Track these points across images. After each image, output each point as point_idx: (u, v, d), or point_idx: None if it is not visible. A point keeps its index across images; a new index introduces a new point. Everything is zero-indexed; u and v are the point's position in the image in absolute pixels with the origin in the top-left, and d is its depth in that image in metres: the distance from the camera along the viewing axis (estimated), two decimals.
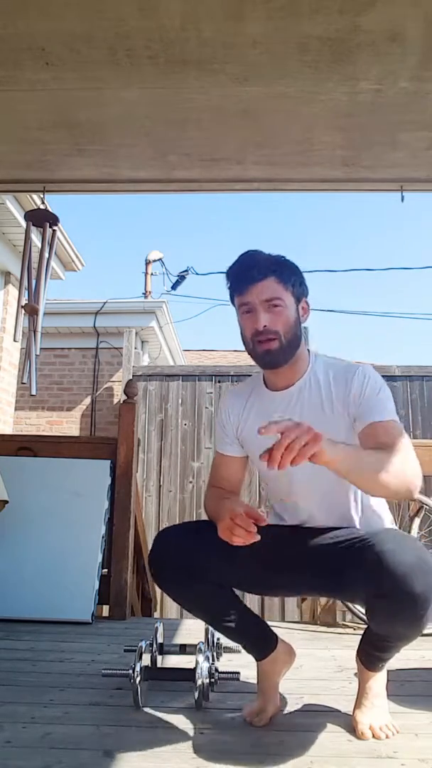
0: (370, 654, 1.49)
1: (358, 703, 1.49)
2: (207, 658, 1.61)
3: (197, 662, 1.56)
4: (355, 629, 2.76)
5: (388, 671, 1.53)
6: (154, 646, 1.78)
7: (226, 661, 2.06)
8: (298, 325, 1.52)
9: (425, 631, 2.63)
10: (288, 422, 1.20)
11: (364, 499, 1.56)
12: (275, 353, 1.48)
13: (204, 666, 1.57)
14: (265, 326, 1.47)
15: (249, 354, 1.54)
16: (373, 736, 1.40)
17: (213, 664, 1.69)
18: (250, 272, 1.50)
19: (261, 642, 1.58)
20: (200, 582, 1.47)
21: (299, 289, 1.54)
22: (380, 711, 1.47)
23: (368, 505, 1.57)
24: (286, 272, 1.52)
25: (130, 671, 1.56)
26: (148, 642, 1.71)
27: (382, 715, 1.46)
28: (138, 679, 1.54)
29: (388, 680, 1.53)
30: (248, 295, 1.49)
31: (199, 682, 1.54)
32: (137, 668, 1.55)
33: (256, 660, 1.59)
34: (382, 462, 1.32)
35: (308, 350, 1.59)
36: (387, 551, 1.29)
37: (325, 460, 1.23)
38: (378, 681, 1.51)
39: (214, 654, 1.87)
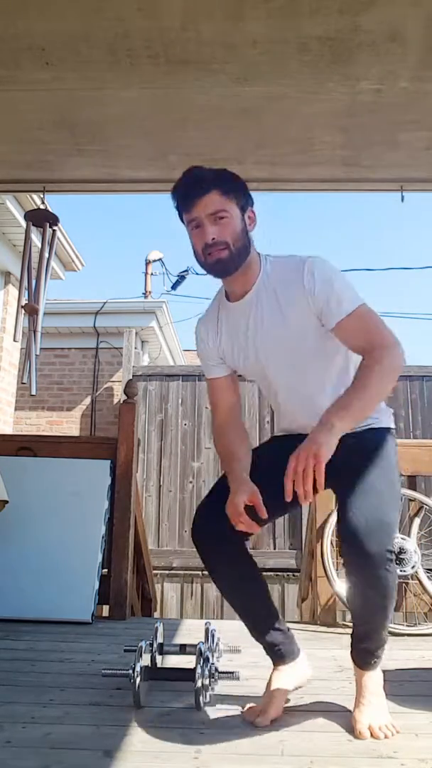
0: (359, 649, 1.51)
1: (356, 703, 1.50)
2: (207, 659, 1.61)
3: (197, 662, 1.56)
4: None
5: (388, 671, 1.53)
6: (154, 646, 1.78)
7: (226, 661, 2.06)
8: (245, 234, 1.56)
9: (425, 631, 2.64)
10: (291, 462, 1.32)
11: None
12: (225, 261, 1.53)
13: (204, 666, 1.57)
14: (213, 238, 1.51)
15: (202, 267, 1.58)
16: (372, 736, 1.40)
17: (213, 664, 1.69)
18: (194, 189, 1.54)
19: (286, 646, 1.63)
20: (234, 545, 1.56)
21: (243, 200, 1.57)
22: (379, 710, 1.47)
23: None
24: (228, 184, 1.56)
25: (130, 671, 1.56)
26: (148, 642, 1.71)
27: (381, 714, 1.46)
28: (138, 679, 1.54)
29: (387, 680, 1.53)
30: (194, 211, 1.53)
31: (199, 682, 1.54)
32: (137, 668, 1.55)
33: (276, 664, 1.62)
34: (370, 389, 1.41)
35: (259, 254, 1.63)
36: (347, 511, 1.38)
37: (334, 447, 1.32)
38: (373, 680, 1.51)
39: (214, 654, 1.87)
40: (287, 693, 1.60)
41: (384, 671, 1.52)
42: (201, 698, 1.55)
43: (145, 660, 1.62)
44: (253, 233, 1.60)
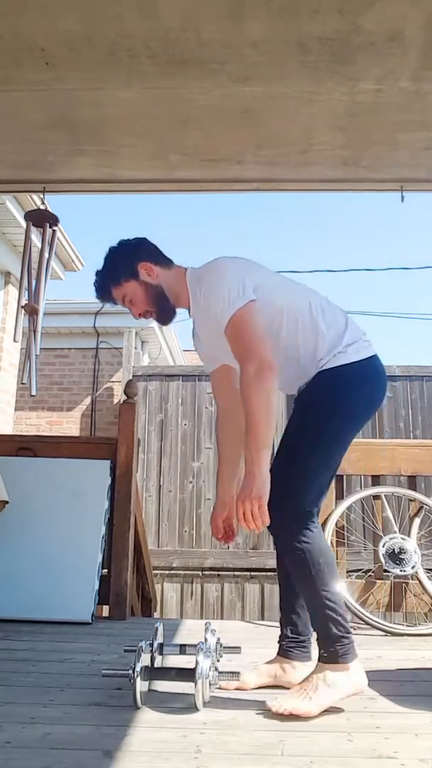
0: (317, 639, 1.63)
1: (296, 686, 1.60)
2: (207, 658, 1.61)
3: (197, 662, 1.56)
4: (355, 629, 2.75)
5: (388, 671, 1.53)
6: (154, 646, 1.78)
7: (226, 662, 2.06)
8: (152, 288, 1.77)
9: (425, 631, 2.64)
10: (238, 510, 1.51)
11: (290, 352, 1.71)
12: (162, 317, 1.81)
13: (204, 666, 1.57)
14: (138, 314, 1.80)
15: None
16: (273, 711, 1.50)
17: (213, 664, 1.69)
18: (105, 299, 1.84)
19: (291, 647, 1.75)
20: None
21: (130, 270, 1.77)
22: (305, 696, 1.53)
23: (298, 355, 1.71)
24: (113, 274, 1.79)
25: (130, 671, 1.56)
26: (148, 642, 1.71)
27: (304, 701, 1.52)
28: (138, 679, 1.54)
29: (387, 680, 1.53)
30: (117, 304, 1.84)
31: (200, 682, 1.54)
32: (137, 668, 1.55)
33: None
34: (255, 417, 1.54)
35: (185, 271, 1.80)
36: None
37: (266, 480, 1.51)
38: (321, 675, 1.56)
39: (215, 654, 1.87)
40: (267, 678, 1.73)
41: (384, 671, 1.53)
42: (201, 698, 1.56)
43: (145, 660, 1.62)
44: (160, 276, 1.78)
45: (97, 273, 1.82)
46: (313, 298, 1.74)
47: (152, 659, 1.73)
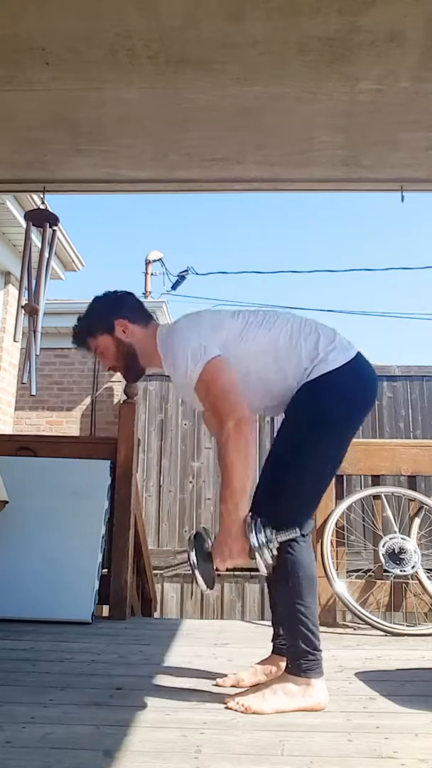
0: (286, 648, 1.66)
1: (259, 686, 1.63)
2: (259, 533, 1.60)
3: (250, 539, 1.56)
4: (355, 629, 2.76)
5: (388, 671, 1.53)
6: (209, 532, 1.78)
7: (225, 661, 2.07)
8: (123, 346, 1.82)
9: (425, 631, 2.64)
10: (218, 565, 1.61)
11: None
12: (129, 375, 1.91)
13: (256, 540, 1.56)
14: (109, 368, 1.87)
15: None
16: (228, 706, 1.56)
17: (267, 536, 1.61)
18: (81, 347, 1.89)
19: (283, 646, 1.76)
20: None
21: (106, 324, 1.82)
22: (261, 696, 1.57)
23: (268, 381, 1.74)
24: (90, 325, 1.85)
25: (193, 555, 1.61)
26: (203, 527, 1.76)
27: (258, 699, 1.57)
28: (198, 561, 1.59)
29: (387, 680, 1.53)
30: (89, 355, 1.86)
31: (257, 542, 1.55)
32: (192, 556, 1.60)
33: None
34: (232, 481, 1.58)
35: (158, 328, 1.85)
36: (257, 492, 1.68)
37: (239, 534, 1.57)
38: (282, 683, 1.59)
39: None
40: (261, 676, 1.78)
41: (384, 671, 1.53)
42: (264, 567, 1.57)
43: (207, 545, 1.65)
44: (131, 336, 1.82)
45: (78, 320, 1.88)
46: (284, 328, 1.73)
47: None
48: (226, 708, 1.57)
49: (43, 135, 2.60)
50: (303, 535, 1.64)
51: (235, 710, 1.55)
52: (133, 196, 4.43)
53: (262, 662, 1.81)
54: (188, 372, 1.65)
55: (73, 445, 3.28)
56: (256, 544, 1.55)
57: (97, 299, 1.89)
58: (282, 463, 1.67)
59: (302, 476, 1.65)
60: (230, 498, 1.58)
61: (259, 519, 1.58)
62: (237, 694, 1.63)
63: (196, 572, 1.59)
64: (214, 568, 1.62)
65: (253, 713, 1.53)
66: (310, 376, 1.66)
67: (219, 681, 1.79)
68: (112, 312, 1.84)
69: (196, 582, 1.61)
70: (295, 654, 1.60)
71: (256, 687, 1.64)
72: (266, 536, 1.56)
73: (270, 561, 1.57)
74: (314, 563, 1.66)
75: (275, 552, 1.58)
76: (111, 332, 1.82)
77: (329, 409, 1.65)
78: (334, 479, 2.98)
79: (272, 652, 1.82)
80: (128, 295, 1.90)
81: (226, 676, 1.81)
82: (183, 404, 6.45)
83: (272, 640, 1.83)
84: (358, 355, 1.72)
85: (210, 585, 1.62)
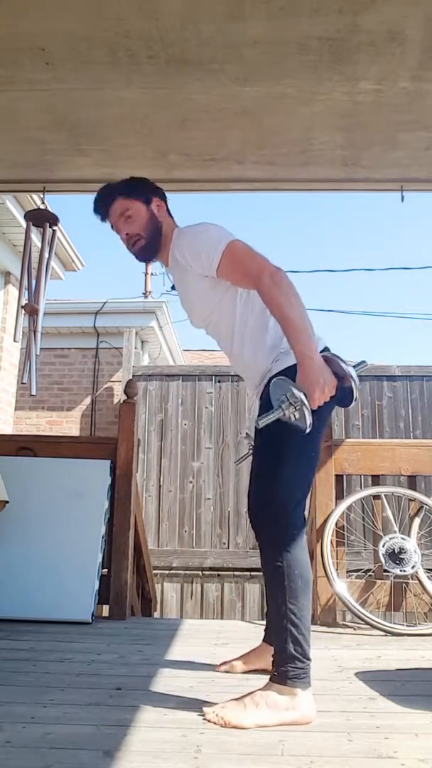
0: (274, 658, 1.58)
1: (241, 696, 1.54)
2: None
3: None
4: (355, 629, 2.76)
5: (388, 671, 1.53)
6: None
7: (223, 657, 2.07)
8: (154, 220, 1.82)
9: (425, 631, 2.64)
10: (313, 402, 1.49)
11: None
12: (145, 250, 1.83)
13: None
14: (127, 233, 1.81)
15: (135, 259, 1.88)
16: (206, 718, 1.49)
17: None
18: (102, 206, 1.85)
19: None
20: None
21: (146, 195, 1.84)
22: (242, 708, 1.49)
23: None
24: (128, 188, 1.84)
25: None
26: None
27: (238, 712, 1.48)
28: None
29: (387, 680, 1.53)
30: (110, 220, 1.85)
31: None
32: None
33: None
34: (289, 318, 1.54)
35: (175, 228, 1.84)
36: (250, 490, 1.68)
37: (321, 365, 1.52)
38: (265, 692, 1.52)
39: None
40: (253, 662, 1.88)
41: (384, 671, 1.53)
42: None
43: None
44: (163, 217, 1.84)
45: (107, 185, 1.87)
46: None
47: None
48: (204, 720, 1.48)
49: (43, 135, 2.60)
50: (299, 532, 1.61)
51: (213, 723, 1.46)
52: None
53: (254, 650, 1.91)
54: (210, 254, 1.65)
55: (73, 445, 3.27)
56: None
57: (134, 177, 1.90)
58: (271, 458, 1.64)
59: (294, 464, 1.62)
60: (299, 338, 1.52)
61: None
62: (217, 705, 1.53)
63: (305, 408, 1.48)
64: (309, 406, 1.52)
65: (233, 728, 1.44)
66: (280, 363, 1.66)
67: (216, 667, 1.94)
68: (152, 189, 1.87)
69: (303, 419, 1.49)
70: (283, 658, 1.52)
71: (240, 700, 1.53)
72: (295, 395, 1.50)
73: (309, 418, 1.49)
74: (309, 564, 1.62)
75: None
76: (147, 203, 1.83)
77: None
78: (334, 479, 2.99)
79: (263, 639, 1.92)
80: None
81: (225, 677, 1.81)
82: (183, 404, 6.45)
83: (265, 629, 1.94)
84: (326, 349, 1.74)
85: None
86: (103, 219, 1.86)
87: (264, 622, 2.05)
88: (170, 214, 1.88)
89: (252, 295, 1.69)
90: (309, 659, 1.53)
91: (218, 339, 1.85)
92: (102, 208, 1.85)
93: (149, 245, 1.82)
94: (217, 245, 1.65)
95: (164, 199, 1.89)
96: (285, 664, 1.52)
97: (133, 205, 1.81)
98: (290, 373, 1.60)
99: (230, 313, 1.75)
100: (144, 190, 1.85)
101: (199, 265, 1.69)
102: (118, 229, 1.83)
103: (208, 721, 1.47)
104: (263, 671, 1.76)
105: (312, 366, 1.50)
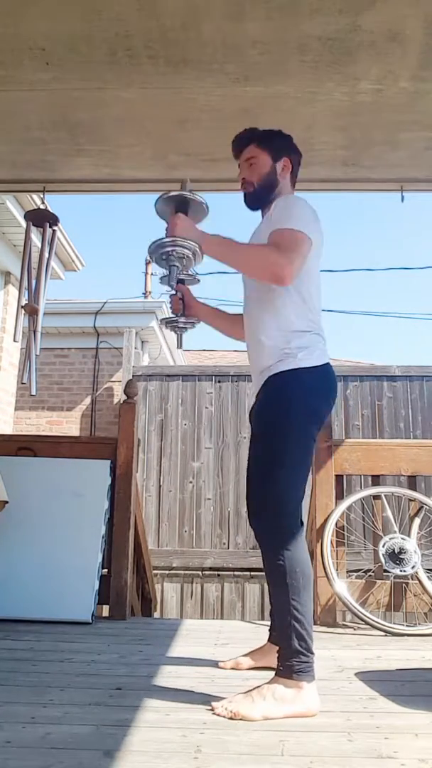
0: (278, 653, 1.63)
1: (249, 690, 1.58)
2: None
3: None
4: (355, 629, 2.76)
5: (388, 671, 1.53)
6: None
7: (233, 651, 2.07)
8: (272, 176, 1.88)
9: (425, 631, 2.64)
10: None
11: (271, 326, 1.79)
12: (250, 198, 1.91)
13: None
14: (243, 178, 1.91)
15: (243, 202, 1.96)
16: (215, 712, 1.52)
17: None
18: (237, 146, 1.95)
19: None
20: None
21: (278, 151, 1.90)
22: (250, 701, 1.53)
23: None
24: (266, 139, 1.91)
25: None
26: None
27: (247, 705, 1.52)
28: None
29: (387, 680, 1.53)
30: (239, 159, 1.94)
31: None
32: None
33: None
34: (248, 251, 1.78)
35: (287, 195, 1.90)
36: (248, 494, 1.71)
37: (205, 249, 1.76)
38: (272, 686, 1.56)
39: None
40: (258, 660, 1.90)
41: (384, 671, 1.53)
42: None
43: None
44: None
45: (250, 128, 1.95)
46: (316, 295, 1.80)
47: None
48: (213, 714, 1.52)
49: (43, 135, 2.60)
50: (299, 530, 1.64)
51: (223, 716, 1.50)
52: (133, 196, 4.43)
53: (258, 648, 1.93)
54: (286, 219, 1.72)
55: (73, 445, 3.27)
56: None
57: (276, 130, 1.94)
58: (267, 459, 1.67)
59: (290, 465, 1.66)
60: (227, 246, 1.75)
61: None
62: (225, 700, 1.58)
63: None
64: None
65: (241, 719, 1.49)
66: (283, 363, 1.70)
67: (220, 664, 1.95)
68: (286, 148, 1.92)
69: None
70: (288, 654, 1.58)
71: (248, 693, 1.57)
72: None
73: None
74: (310, 562, 1.66)
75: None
76: (275, 159, 1.88)
77: (300, 407, 1.69)
78: (334, 479, 2.99)
79: (268, 639, 1.93)
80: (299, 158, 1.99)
81: (225, 677, 1.82)
82: (183, 404, 6.45)
83: (269, 629, 1.94)
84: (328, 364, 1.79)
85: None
86: (236, 157, 1.95)
87: (266, 622, 2.07)
88: (294, 179, 1.94)
89: (275, 290, 1.74)
90: (313, 653, 1.58)
91: (246, 311, 1.91)
92: (236, 148, 1.94)
93: (255, 195, 1.89)
94: (296, 223, 1.70)
95: (295, 163, 1.94)
96: (290, 658, 1.57)
97: (261, 155, 1.88)
98: (289, 376, 1.67)
99: (254, 291, 1.83)
100: (279, 146, 1.90)
101: (275, 220, 1.75)
102: (240, 171, 1.92)
103: (217, 715, 1.51)
104: (267, 669, 1.78)
105: (201, 233, 1.76)
